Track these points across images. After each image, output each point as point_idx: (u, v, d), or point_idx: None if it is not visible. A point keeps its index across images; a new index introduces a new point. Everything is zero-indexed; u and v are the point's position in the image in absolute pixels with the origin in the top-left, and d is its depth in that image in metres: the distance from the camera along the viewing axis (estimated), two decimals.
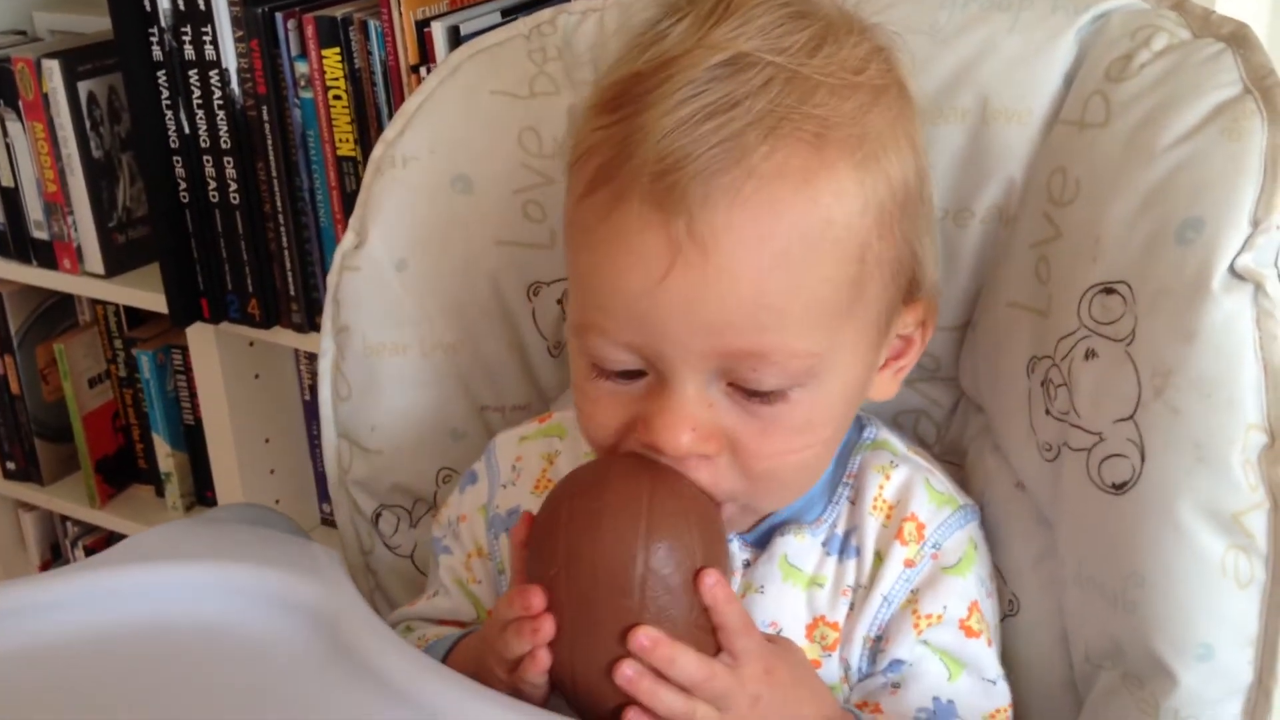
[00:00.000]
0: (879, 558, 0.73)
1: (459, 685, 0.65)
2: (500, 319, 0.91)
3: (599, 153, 0.65)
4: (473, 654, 0.71)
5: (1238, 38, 0.71)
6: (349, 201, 1.28)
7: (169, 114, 1.32)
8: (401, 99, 1.20)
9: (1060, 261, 0.74)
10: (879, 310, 0.68)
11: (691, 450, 0.65)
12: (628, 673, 0.63)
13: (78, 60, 1.44)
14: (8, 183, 1.52)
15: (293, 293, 1.36)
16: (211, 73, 1.28)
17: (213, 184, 1.34)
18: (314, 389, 1.54)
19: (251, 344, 1.49)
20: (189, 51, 1.28)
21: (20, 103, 1.46)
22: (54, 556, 1.87)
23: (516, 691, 0.66)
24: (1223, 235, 0.66)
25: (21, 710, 0.66)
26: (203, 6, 1.26)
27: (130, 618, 0.71)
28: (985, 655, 0.74)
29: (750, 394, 0.65)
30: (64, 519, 1.83)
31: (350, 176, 1.27)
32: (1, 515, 1.84)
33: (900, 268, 0.69)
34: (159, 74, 1.31)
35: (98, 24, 1.47)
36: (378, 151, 0.89)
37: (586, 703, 0.65)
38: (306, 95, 1.26)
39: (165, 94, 1.31)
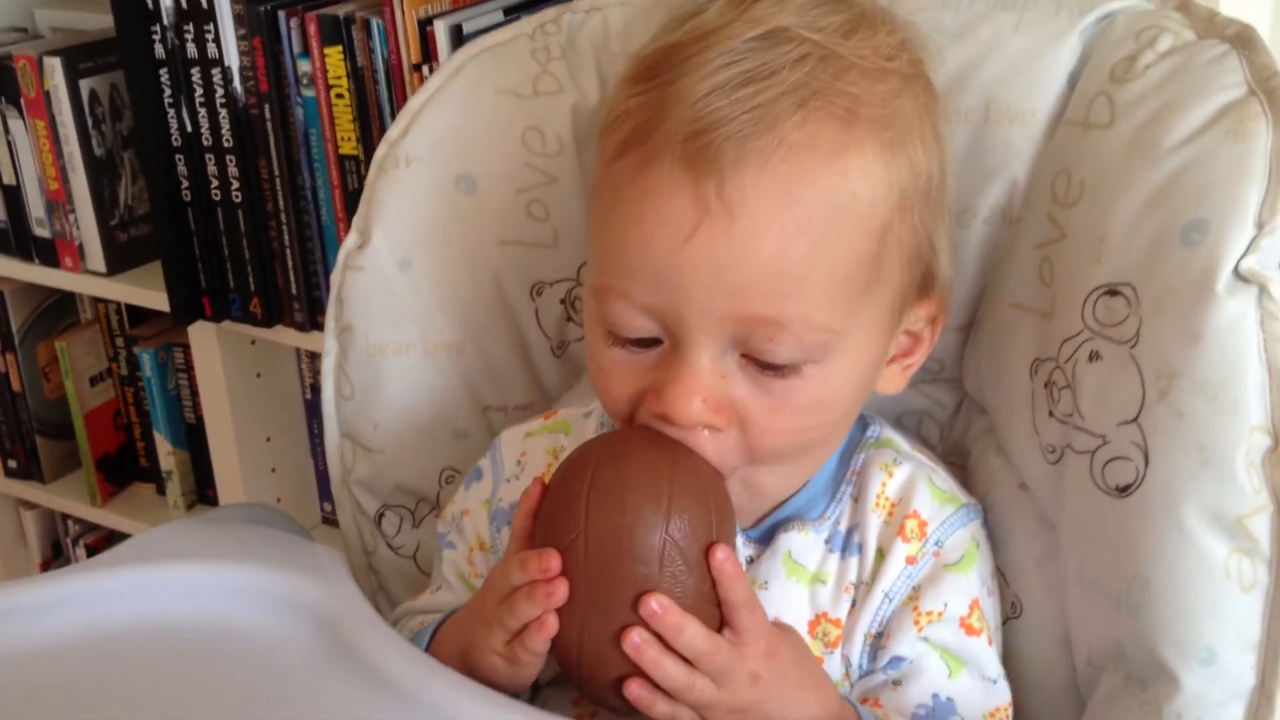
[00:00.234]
0: (881, 554, 0.74)
1: (461, 686, 0.65)
2: (503, 319, 0.91)
3: (633, 117, 0.66)
4: (461, 631, 0.71)
5: (1243, 39, 0.71)
6: (351, 200, 1.28)
7: (171, 112, 1.32)
8: (404, 97, 1.20)
9: (1064, 263, 0.74)
10: (894, 295, 0.69)
11: (701, 419, 0.66)
12: (635, 640, 0.63)
13: (79, 58, 1.43)
14: (9, 180, 1.52)
15: (294, 291, 1.36)
16: (214, 71, 1.28)
17: (215, 182, 1.34)
18: (315, 388, 1.55)
19: (253, 342, 1.49)
20: (191, 49, 1.28)
21: (22, 100, 1.46)
22: (55, 554, 1.86)
23: (513, 662, 0.66)
24: (1227, 237, 0.66)
25: (21, 710, 0.66)
26: (205, 4, 1.25)
27: (131, 617, 0.71)
28: (985, 654, 0.74)
29: (764, 367, 0.66)
30: (65, 517, 1.82)
31: (352, 175, 1.27)
32: (2, 513, 1.84)
33: (917, 256, 0.69)
34: (161, 72, 1.30)
35: (99, 21, 1.47)
36: (381, 151, 0.88)
37: (588, 671, 0.66)
38: (309, 93, 1.26)
39: (167, 92, 1.31)
